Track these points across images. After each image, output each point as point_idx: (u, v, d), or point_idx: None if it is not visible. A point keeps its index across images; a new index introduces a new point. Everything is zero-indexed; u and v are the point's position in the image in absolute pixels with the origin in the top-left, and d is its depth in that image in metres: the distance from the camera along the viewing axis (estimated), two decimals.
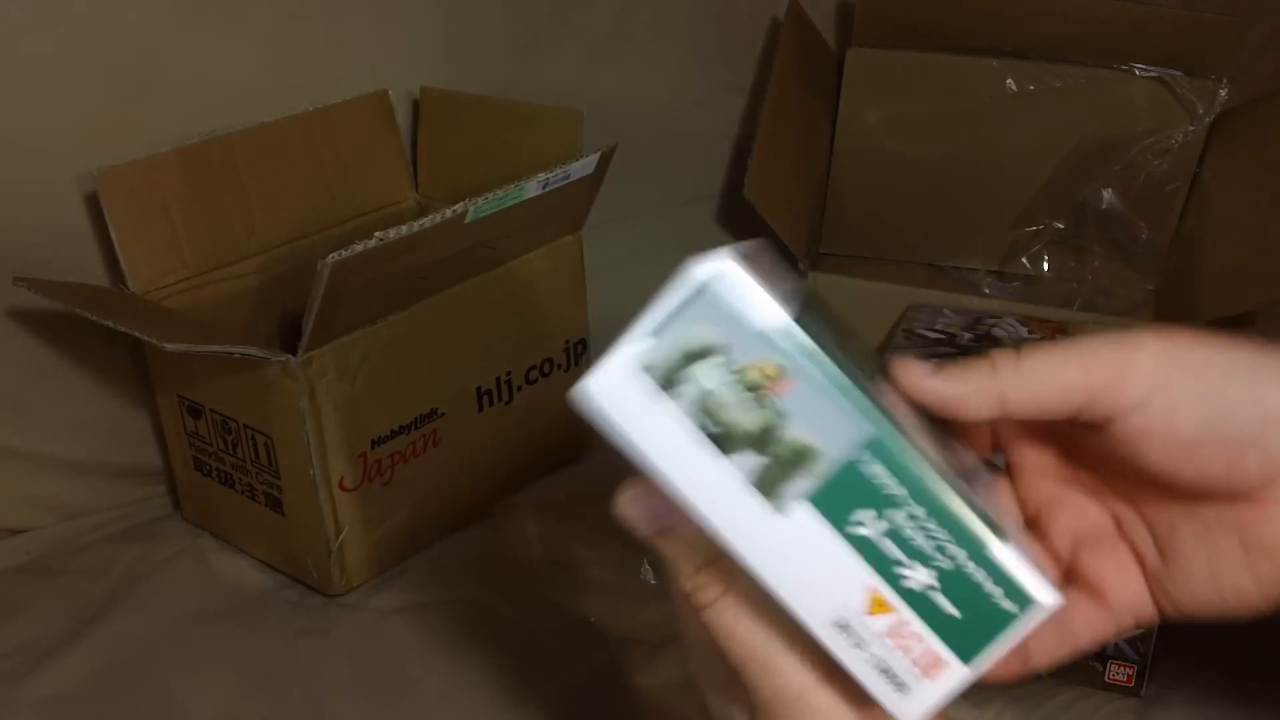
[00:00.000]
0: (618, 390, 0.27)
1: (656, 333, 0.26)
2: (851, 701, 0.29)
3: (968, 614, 0.25)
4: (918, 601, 0.25)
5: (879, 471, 0.25)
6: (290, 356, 0.60)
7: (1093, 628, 0.34)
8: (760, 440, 0.26)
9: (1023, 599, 0.25)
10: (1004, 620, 0.25)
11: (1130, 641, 0.59)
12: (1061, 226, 0.97)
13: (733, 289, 0.26)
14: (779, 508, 0.26)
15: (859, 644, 0.26)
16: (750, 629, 0.29)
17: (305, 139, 0.78)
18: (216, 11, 0.74)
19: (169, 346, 0.58)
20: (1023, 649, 0.30)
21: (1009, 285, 1.00)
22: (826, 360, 0.26)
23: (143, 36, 0.71)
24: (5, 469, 0.72)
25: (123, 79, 0.71)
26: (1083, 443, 0.34)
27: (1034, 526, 0.35)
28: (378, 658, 0.64)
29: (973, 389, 0.30)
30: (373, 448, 0.66)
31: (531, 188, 0.64)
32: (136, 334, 0.60)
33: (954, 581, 0.25)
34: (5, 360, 0.70)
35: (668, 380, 0.26)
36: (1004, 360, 0.31)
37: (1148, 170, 0.93)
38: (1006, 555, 0.25)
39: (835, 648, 0.26)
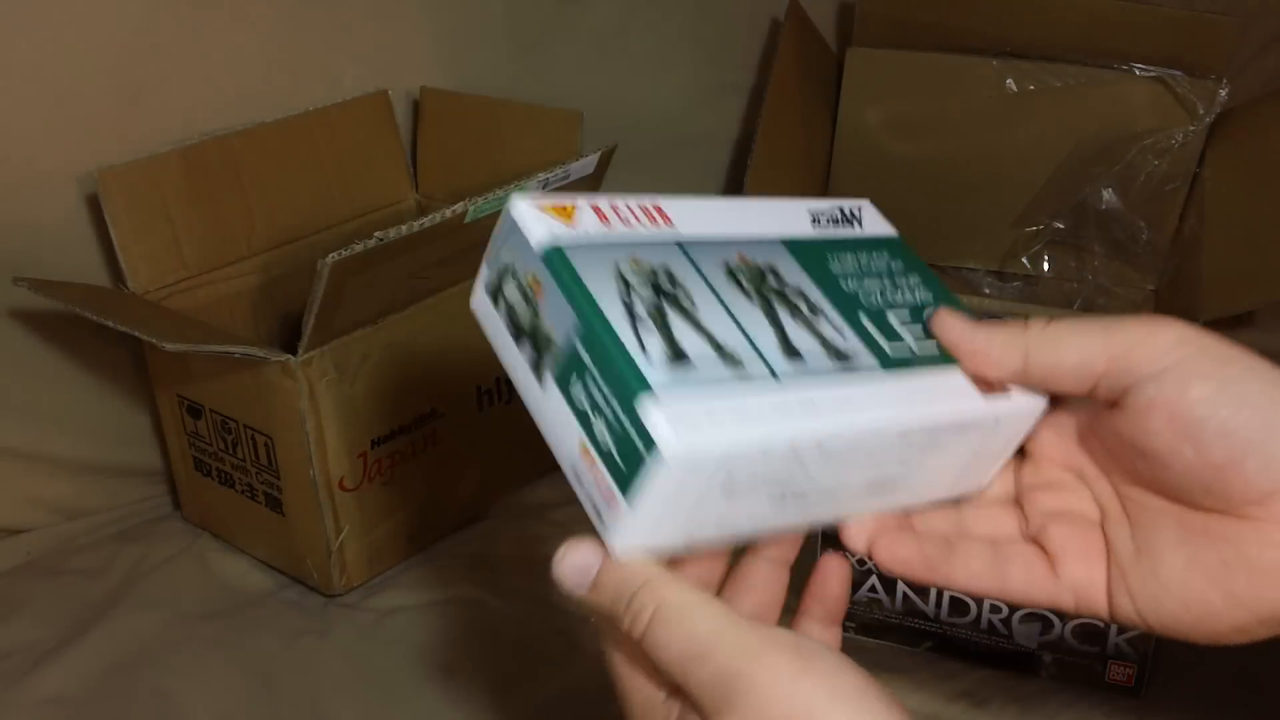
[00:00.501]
0: (479, 304, 0.36)
1: (487, 260, 0.35)
2: (793, 662, 0.29)
3: (623, 457, 0.30)
4: (599, 447, 0.31)
5: (584, 352, 0.31)
6: (290, 356, 0.60)
7: (1028, 584, 0.35)
8: (530, 333, 0.33)
9: (649, 445, 0.29)
10: (639, 462, 0.30)
11: (1131, 641, 0.59)
12: (1061, 226, 0.97)
13: (522, 219, 0.33)
14: (542, 384, 0.33)
15: (580, 486, 0.33)
16: (683, 631, 0.30)
17: (305, 139, 0.78)
18: (217, 12, 0.74)
19: (169, 346, 0.58)
20: (946, 562, 0.35)
21: (1009, 285, 1.00)
22: (566, 270, 0.32)
23: (143, 37, 0.71)
24: (5, 469, 0.72)
25: (123, 79, 0.71)
26: (1093, 426, 0.34)
27: (1019, 504, 0.37)
28: (377, 658, 0.64)
29: (999, 340, 0.33)
30: (372, 448, 0.66)
31: (531, 188, 0.64)
32: (136, 334, 0.60)
33: (615, 429, 0.31)
34: (5, 360, 0.70)
35: (495, 293, 0.35)
36: (1035, 321, 0.33)
37: (1148, 170, 0.93)
38: (646, 408, 0.29)
39: (575, 490, 0.33)
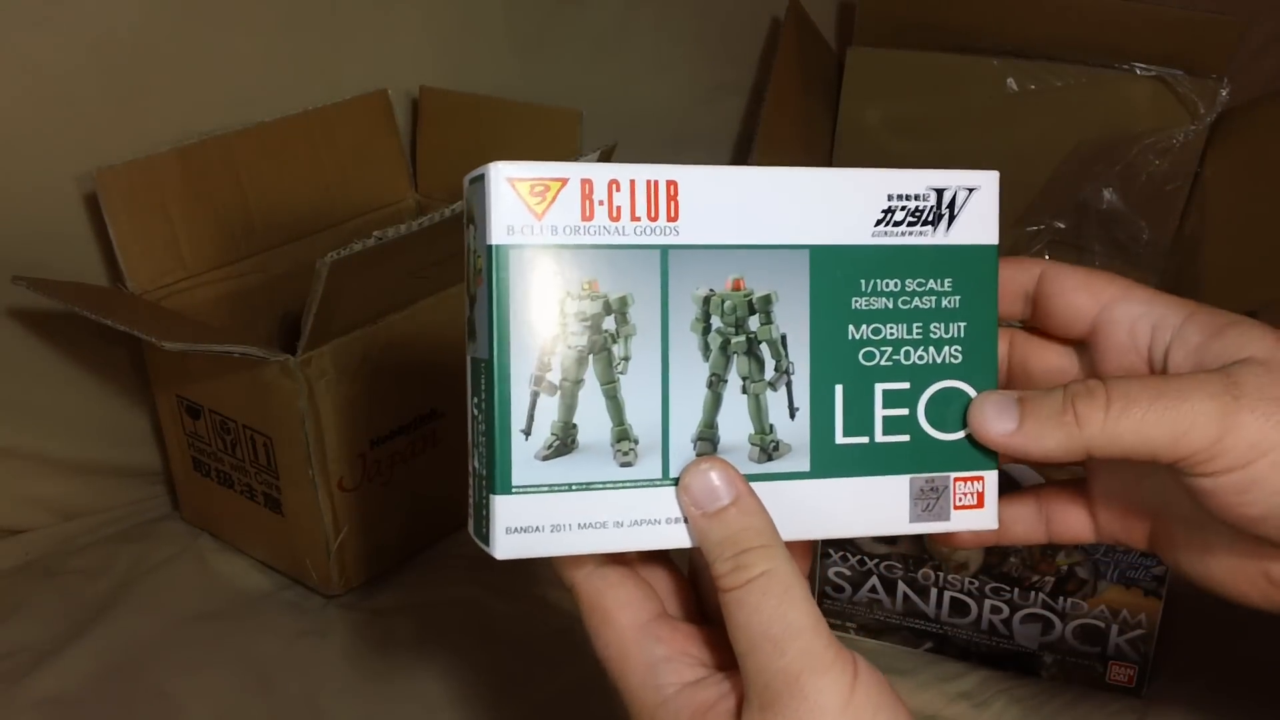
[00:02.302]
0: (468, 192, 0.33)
1: (466, 188, 0.33)
2: (842, 691, 0.29)
3: (476, 509, 0.32)
4: (473, 469, 0.32)
5: (484, 385, 0.31)
6: (289, 356, 0.60)
7: (1065, 533, 0.36)
8: (470, 298, 0.33)
9: (488, 534, 0.31)
10: (485, 537, 0.31)
11: (1131, 642, 0.59)
12: (1062, 226, 0.96)
13: (493, 193, 0.30)
14: (467, 342, 0.34)
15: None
16: (776, 609, 0.29)
17: (305, 138, 0.78)
18: (216, 12, 0.74)
19: (168, 345, 0.58)
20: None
21: None
22: (502, 287, 0.30)
23: (142, 36, 0.71)
24: (4, 469, 0.72)
25: (122, 79, 0.71)
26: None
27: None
28: (376, 658, 0.64)
29: (1054, 445, 0.31)
30: (372, 448, 0.66)
31: None
32: (135, 333, 0.60)
33: (478, 479, 0.32)
34: (4, 360, 0.70)
35: (467, 220, 0.33)
36: (1089, 412, 0.30)
37: (1149, 170, 0.93)
38: (494, 505, 0.30)
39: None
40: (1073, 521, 0.36)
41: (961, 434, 0.33)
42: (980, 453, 0.33)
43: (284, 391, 0.61)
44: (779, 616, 0.29)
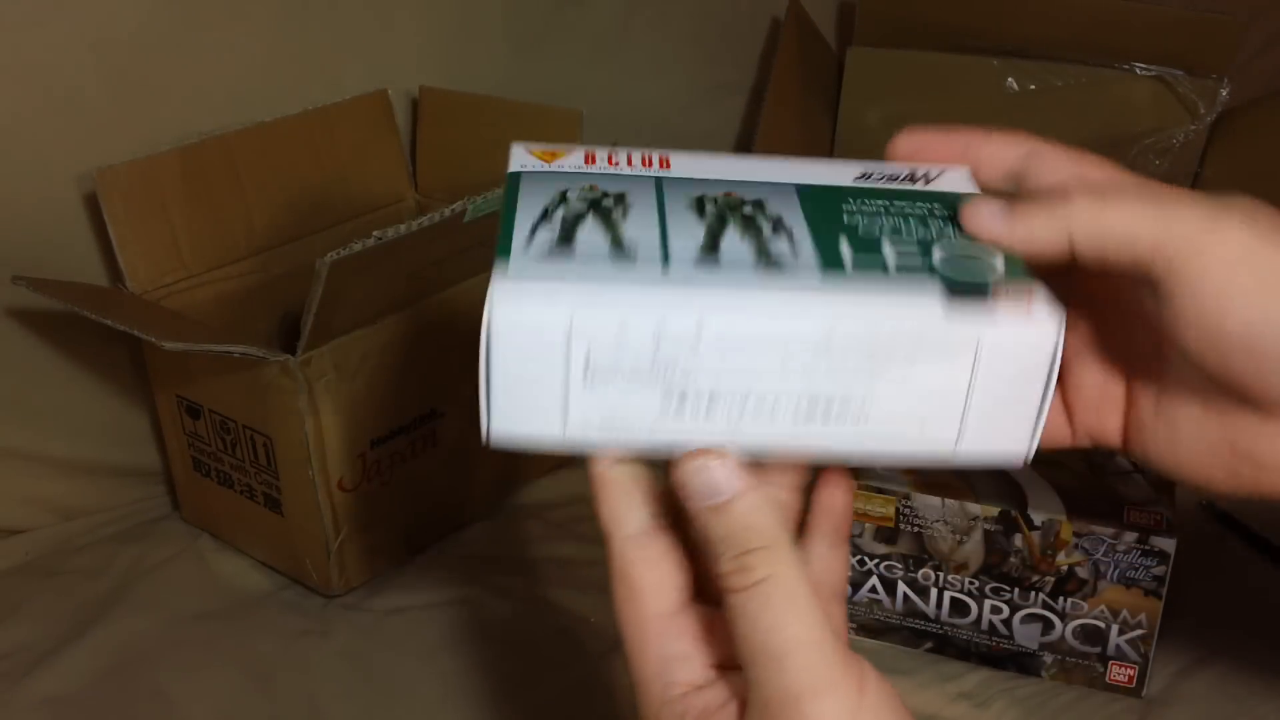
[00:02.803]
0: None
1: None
2: (845, 712, 0.28)
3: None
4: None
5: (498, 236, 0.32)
6: (289, 356, 0.60)
7: (1045, 438, 0.34)
8: None
9: (490, 321, 0.31)
10: (486, 338, 0.30)
11: (1132, 643, 0.59)
12: None
13: (512, 156, 0.36)
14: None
15: None
16: (776, 621, 0.28)
17: (305, 138, 0.78)
18: (216, 11, 0.74)
19: (168, 345, 0.58)
20: None
21: None
22: (512, 191, 0.34)
23: (142, 36, 0.71)
24: (4, 469, 0.72)
25: (122, 79, 0.71)
26: (1130, 302, 0.32)
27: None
28: (376, 658, 0.64)
29: (1043, 231, 0.30)
30: (372, 448, 0.66)
31: None
32: (135, 333, 0.60)
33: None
34: (3, 360, 0.70)
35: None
36: (1082, 197, 0.30)
37: (1149, 170, 0.93)
38: (491, 285, 0.30)
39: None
40: (1051, 420, 0.35)
41: (988, 277, 0.31)
42: (1017, 275, 0.31)
43: (284, 391, 0.61)
44: (779, 629, 0.28)
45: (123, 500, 0.76)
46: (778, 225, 0.32)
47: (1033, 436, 0.31)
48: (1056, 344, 0.30)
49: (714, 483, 0.30)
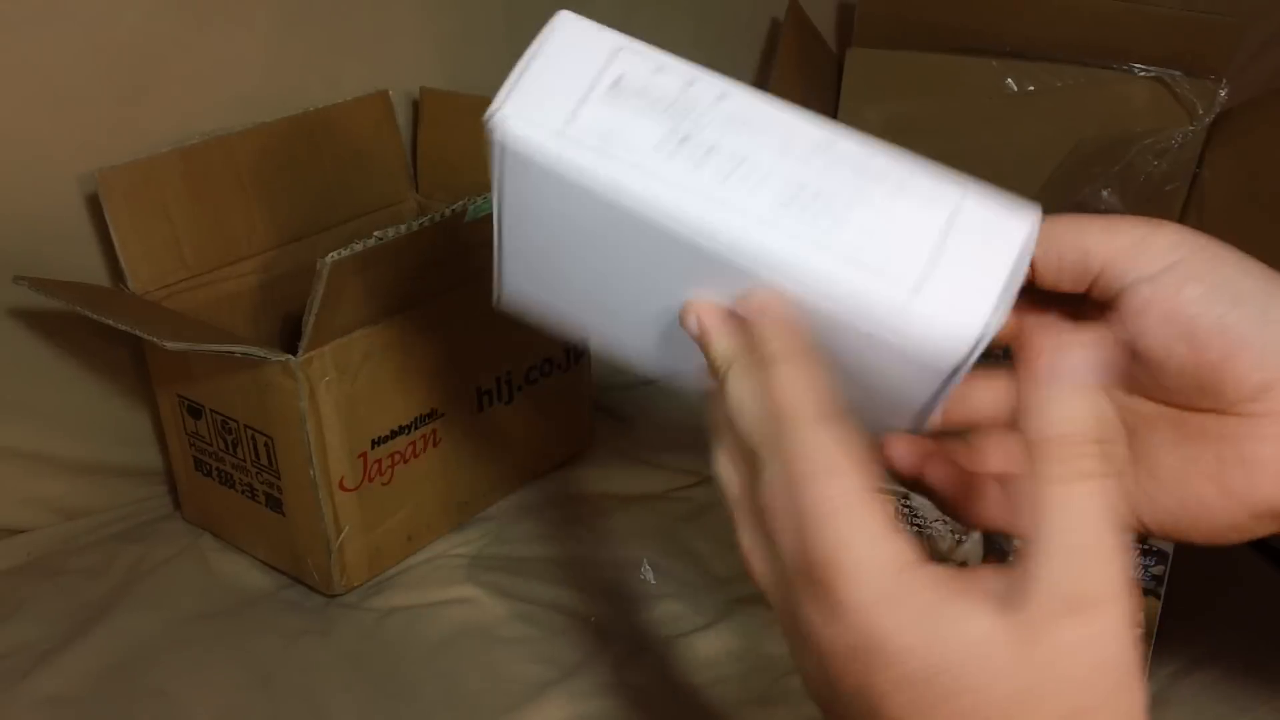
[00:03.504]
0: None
1: None
2: (1130, 620, 0.27)
3: None
4: None
5: None
6: (290, 356, 0.60)
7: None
8: None
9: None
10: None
11: None
12: None
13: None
14: None
15: None
16: (1113, 523, 0.27)
17: (306, 139, 0.78)
18: (217, 12, 0.74)
19: (170, 345, 0.59)
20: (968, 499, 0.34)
21: None
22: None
23: (143, 37, 0.71)
24: (5, 468, 0.72)
25: (123, 79, 0.71)
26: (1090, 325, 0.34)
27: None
28: (377, 658, 0.64)
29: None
30: (373, 448, 0.66)
31: None
32: (137, 333, 0.60)
33: None
34: (5, 359, 0.70)
35: None
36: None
37: (1147, 170, 0.93)
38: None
39: None
40: None
41: None
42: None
43: (285, 391, 0.62)
44: (1112, 529, 0.27)
45: (124, 500, 0.76)
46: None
47: (988, 317, 0.30)
48: (1030, 234, 0.31)
49: (1085, 366, 0.28)
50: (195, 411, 0.69)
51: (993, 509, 0.35)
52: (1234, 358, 0.30)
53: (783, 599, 0.30)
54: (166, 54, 0.72)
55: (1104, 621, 0.26)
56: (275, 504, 0.67)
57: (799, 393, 0.29)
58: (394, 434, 0.67)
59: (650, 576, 0.69)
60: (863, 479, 0.28)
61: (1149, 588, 0.57)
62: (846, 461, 0.28)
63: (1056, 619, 0.26)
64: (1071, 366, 0.28)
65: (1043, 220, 0.32)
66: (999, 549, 0.59)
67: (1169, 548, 0.56)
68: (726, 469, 0.32)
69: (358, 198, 0.82)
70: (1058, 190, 0.96)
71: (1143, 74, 0.91)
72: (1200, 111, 0.90)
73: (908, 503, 0.59)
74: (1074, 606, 0.26)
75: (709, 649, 0.64)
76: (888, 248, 0.31)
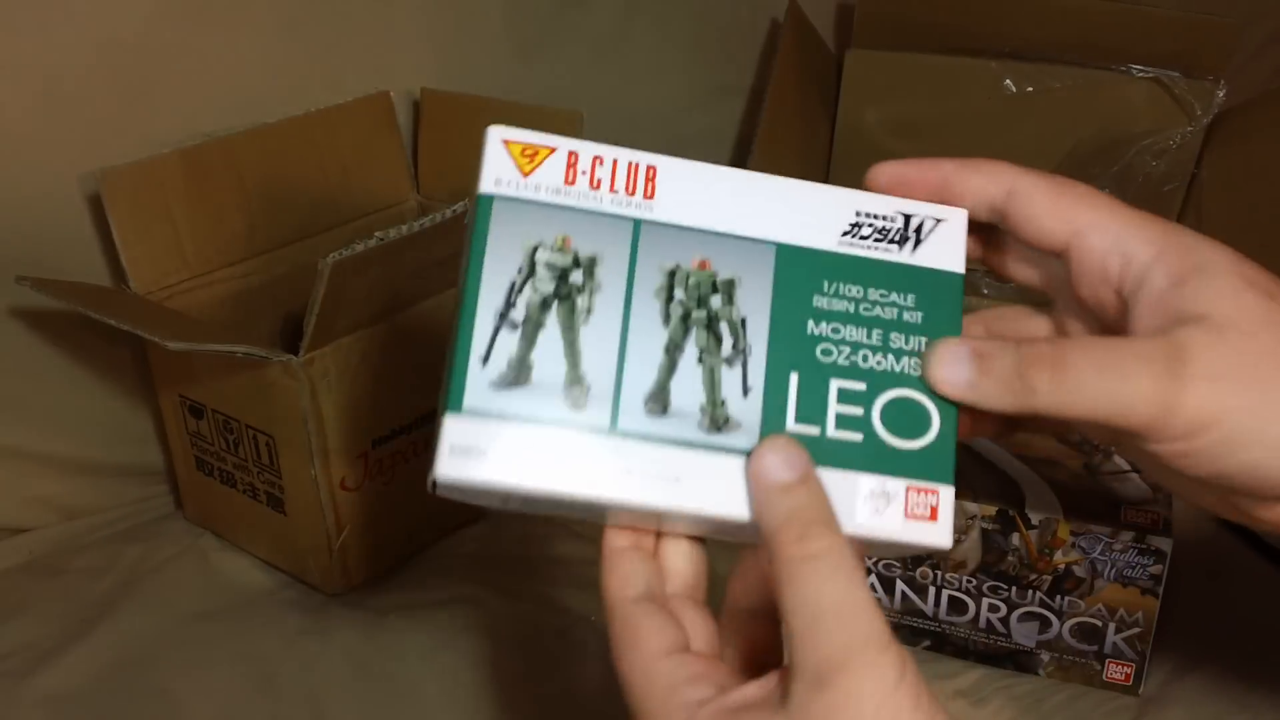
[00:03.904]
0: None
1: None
2: (897, 670, 0.28)
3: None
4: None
5: (454, 320, 0.32)
6: (291, 356, 0.61)
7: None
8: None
9: (435, 457, 0.31)
10: (433, 460, 0.31)
11: (1128, 640, 0.59)
12: None
13: (489, 150, 0.33)
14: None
15: None
16: (841, 586, 0.29)
17: (307, 140, 0.78)
18: (219, 13, 0.74)
19: (171, 345, 0.59)
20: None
21: (1007, 285, 1.00)
22: (481, 230, 0.32)
23: (145, 38, 0.71)
24: (7, 468, 0.72)
25: (125, 80, 0.71)
26: None
27: None
28: (378, 657, 0.64)
29: (1007, 406, 0.32)
30: (374, 447, 0.67)
31: None
32: (139, 332, 0.60)
33: (439, 409, 0.32)
34: (7, 359, 0.70)
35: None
36: (1038, 381, 0.31)
37: (1146, 171, 0.93)
38: (444, 424, 0.31)
39: None
40: None
41: (917, 444, 0.33)
42: (937, 466, 0.33)
43: (286, 391, 0.62)
44: (848, 593, 0.29)
45: (125, 500, 0.76)
46: (738, 348, 0.33)
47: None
48: (947, 549, 0.33)
49: (790, 462, 0.31)
50: (197, 411, 0.69)
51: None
52: (1267, 490, 0.30)
53: None
54: (168, 55, 0.73)
55: (849, 683, 0.28)
56: (276, 503, 0.67)
57: (604, 582, 0.33)
58: (395, 434, 0.68)
59: None
60: (664, 643, 0.32)
61: (1146, 587, 0.58)
62: (648, 633, 0.32)
63: (812, 697, 0.28)
64: (777, 467, 0.31)
65: (1054, 376, 0.31)
66: (998, 547, 0.59)
67: (1166, 546, 0.56)
68: None
69: (359, 198, 0.82)
70: None
71: (1141, 75, 0.91)
72: (1198, 112, 0.91)
73: None
74: (822, 680, 0.28)
75: None
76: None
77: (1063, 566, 0.58)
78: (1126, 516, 0.57)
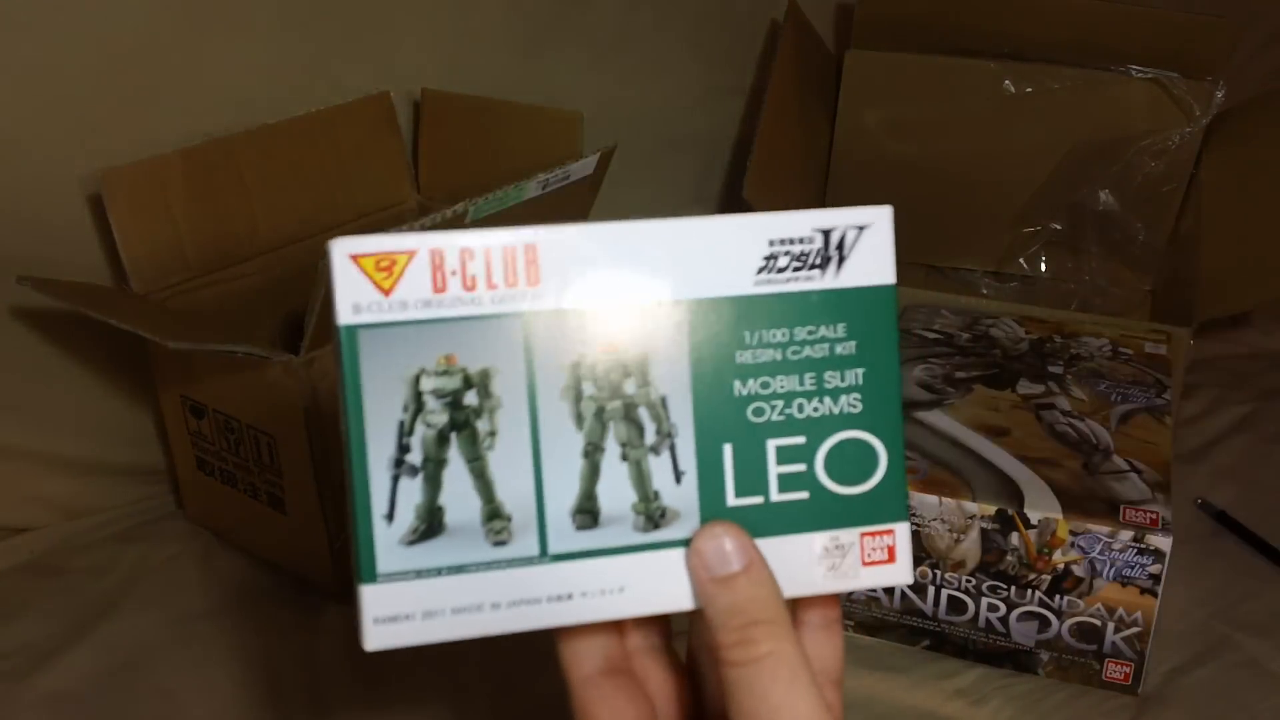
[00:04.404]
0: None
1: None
2: None
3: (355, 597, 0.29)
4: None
5: (347, 474, 0.29)
6: (292, 356, 0.61)
7: None
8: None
9: (360, 622, 0.29)
10: (358, 623, 0.29)
11: (1127, 640, 0.59)
12: (1059, 227, 0.97)
13: (338, 273, 0.29)
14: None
15: None
16: (783, 698, 0.28)
17: (307, 140, 0.78)
18: (220, 14, 0.74)
19: (172, 344, 0.59)
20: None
21: (1007, 286, 1.00)
22: (352, 369, 0.29)
23: (146, 38, 0.71)
24: (8, 468, 0.72)
25: (126, 80, 0.71)
26: None
27: None
28: (378, 656, 0.64)
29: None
30: None
31: (531, 188, 0.65)
32: (140, 332, 0.61)
33: (354, 566, 0.29)
34: (8, 359, 0.71)
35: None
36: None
37: (1144, 171, 0.93)
38: (363, 594, 0.29)
39: None
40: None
41: (866, 487, 0.31)
42: (889, 505, 0.31)
43: (287, 391, 0.62)
44: (786, 705, 0.28)
45: (126, 499, 0.76)
46: (663, 431, 0.30)
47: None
48: (908, 584, 0.32)
49: (725, 554, 0.30)
50: (198, 411, 0.69)
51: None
52: None
53: None
54: (169, 56, 0.73)
55: None
56: (277, 503, 0.68)
57: (560, 658, 0.32)
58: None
59: None
60: None
61: (1145, 586, 0.58)
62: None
63: None
64: (716, 560, 0.29)
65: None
66: (997, 547, 0.59)
67: (1165, 546, 0.57)
68: None
69: (359, 198, 0.82)
70: (1055, 192, 0.96)
71: (1140, 76, 0.92)
72: (1197, 113, 0.91)
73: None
74: None
75: None
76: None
77: (1062, 566, 0.59)
78: (1125, 516, 0.57)
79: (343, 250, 0.28)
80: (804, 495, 0.31)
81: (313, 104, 0.78)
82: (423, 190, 0.86)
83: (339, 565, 0.67)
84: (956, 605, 0.62)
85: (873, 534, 0.31)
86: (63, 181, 0.70)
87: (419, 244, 0.28)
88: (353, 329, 0.28)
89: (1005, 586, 0.60)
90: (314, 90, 0.79)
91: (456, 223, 0.61)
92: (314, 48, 0.80)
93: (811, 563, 0.31)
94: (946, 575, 0.61)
